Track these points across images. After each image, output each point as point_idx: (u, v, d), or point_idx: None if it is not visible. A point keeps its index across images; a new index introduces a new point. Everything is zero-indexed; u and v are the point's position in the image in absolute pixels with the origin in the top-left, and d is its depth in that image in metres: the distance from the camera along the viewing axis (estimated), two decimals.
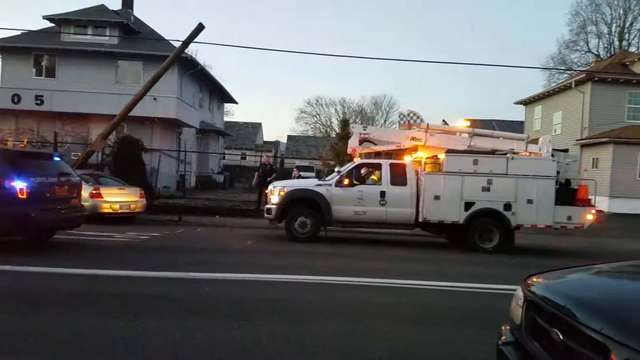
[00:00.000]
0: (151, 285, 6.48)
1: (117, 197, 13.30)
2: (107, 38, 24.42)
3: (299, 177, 18.49)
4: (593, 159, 23.58)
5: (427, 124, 12.36)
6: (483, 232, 11.26)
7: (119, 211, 13.24)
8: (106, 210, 12.96)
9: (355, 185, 11.42)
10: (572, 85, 25.12)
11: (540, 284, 2.91)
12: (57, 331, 4.46)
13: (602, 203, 21.56)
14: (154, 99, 20.52)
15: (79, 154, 18.00)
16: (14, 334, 4.35)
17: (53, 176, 8.79)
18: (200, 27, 15.14)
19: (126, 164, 17.12)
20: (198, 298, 5.81)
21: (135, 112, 17.22)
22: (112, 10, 26.22)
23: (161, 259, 8.46)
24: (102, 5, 26.34)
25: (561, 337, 2.32)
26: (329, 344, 4.40)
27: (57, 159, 9.58)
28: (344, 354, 4.19)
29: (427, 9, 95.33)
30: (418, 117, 12.94)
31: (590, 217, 11.37)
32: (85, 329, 4.49)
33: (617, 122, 23.54)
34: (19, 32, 24.73)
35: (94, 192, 12.78)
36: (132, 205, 13.59)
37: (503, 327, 3.12)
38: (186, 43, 15.63)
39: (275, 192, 11.51)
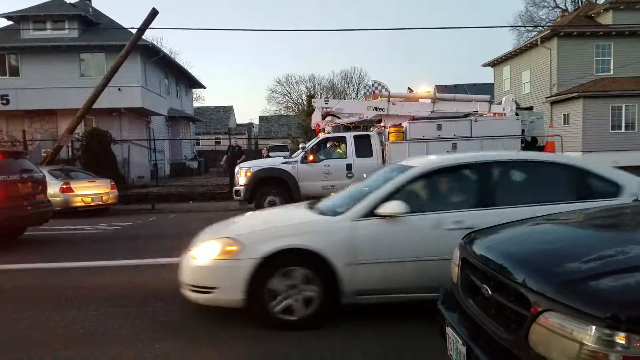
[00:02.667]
0: (116, 274, 6.46)
1: (88, 190, 13.30)
2: (67, 32, 23.97)
3: (268, 156, 18.44)
4: (564, 115, 23.83)
5: (389, 93, 12.30)
6: None
7: (91, 204, 13.26)
8: (78, 204, 12.97)
9: (322, 160, 11.40)
10: (539, 42, 25.12)
11: (475, 241, 2.87)
12: (18, 325, 4.46)
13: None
14: (119, 89, 20.17)
15: (49, 150, 17.72)
16: None
17: (15, 174, 8.67)
18: (154, 13, 14.72)
19: (96, 157, 17.14)
20: (163, 283, 5.77)
21: (101, 104, 16.98)
22: (70, 3, 25.67)
23: (129, 247, 8.38)
24: None
25: (490, 292, 2.31)
26: None
27: (18, 156, 9.46)
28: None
29: None
30: (383, 87, 12.87)
31: None
32: (45, 321, 4.52)
33: (586, 76, 23.69)
34: None
35: (64, 186, 12.74)
36: (104, 197, 13.60)
37: (442, 288, 3.12)
38: (141, 30, 15.23)
39: (242, 173, 11.47)
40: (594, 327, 1.64)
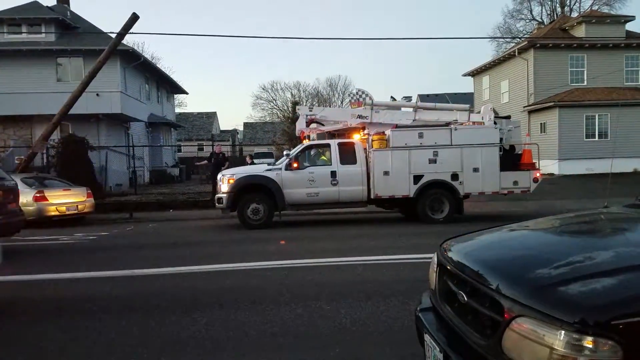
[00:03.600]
0: (91, 285, 6.26)
1: (63, 199, 12.99)
2: (43, 36, 23.52)
3: (252, 163, 18.33)
4: (541, 123, 24.36)
5: (372, 101, 12.40)
6: (433, 203, 11.50)
7: (66, 213, 12.95)
8: (52, 213, 12.65)
9: (306, 167, 11.39)
10: (516, 54, 25.73)
11: (452, 247, 2.90)
12: None
13: (552, 166, 22.43)
14: (97, 94, 19.90)
15: (23, 157, 17.29)
16: None
17: None
18: (134, 17, 14.57)
19: (72, 164, 16.70)
20: (139, 295, 5.66)
21: (78, 109, 16.66)
22: (47, 7, 25.24)
23: (105, 258, 8.19)
24: (36, 1, 25.26)
25: (466, 298, 2.33)
26: (269, 327, 4.38)
27: None
28: (282, 337, 4.18)
29: None
30: (367, 95, 12.97)
31: (535, 180, 11.76)
32: (16, 335, 4.36)
33: (562, 86, 24.36)
34: None
35: (37, 195, 12.42)
36: (79, 206, 13.31)
37: (423, 294, 3.14)
38: (121, 35, 15.06)
39: (225, 181, 11.35)
40: (563, 332, 1.67)
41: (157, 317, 4.77)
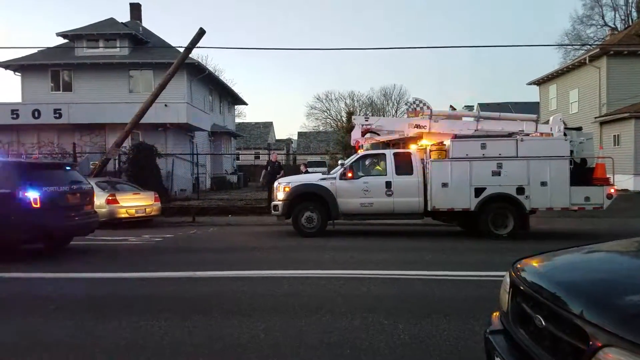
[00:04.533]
0: (158, 285, 6.55)
1: (133, 202, 13.74)
2: (118, 50, 25.18)
3: (307, 172, 18.48)
4: (614, 136, 22.86)
5: (431, 110, 12.15)
6: (496, 218, 11.03)
7: (135, 215, 13.67)
8: (123, 215, 13.39)
9: (360, 177, 11.32)
10: (587, 61, 24.36)
11: (526, 267, 2.78)
12: (61, 334, 4.55)
13: (627, 181, 20.95)
14: (165, 105, 20.89)
15: (97, 162, 18.44)
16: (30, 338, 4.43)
17: (65, 185, 9.05)
18: (201, 32, 15.22)
19: (142, 170, 17.66)
20: (200, 297, 5.83)
21: (148, 119, 17.59)
22: (121, 23, 27.04)
23: (169, 260, 8.55)
24: (112, 18, 27.07)
25: (544, 323, 2.20)
26: (327, 338, 4.35)
27: (68, 168, 9.84)
28: (340, 348, 4.13)
29: None
30: (425, 104, 12.76)
31: (609, 196, 10.99)
32: (89, 331, 4.60)
33: (637, 96, 22.73)
34: (35, 51, 25.75)
35: (110, 198, 13.19)
36: (147, 209, 14.01)
37: (493, 315, 3.00)
38: (189, 49, 15.77)
39: (281, 189, 11.53)
40: None
41: (219, 319, 4.89)
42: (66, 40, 25.99)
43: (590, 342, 1.82)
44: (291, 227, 11.79)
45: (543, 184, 10.88)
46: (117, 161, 19.26)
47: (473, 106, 38.76)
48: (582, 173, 11.19)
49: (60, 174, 9.32)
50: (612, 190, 11.10)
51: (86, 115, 22.66)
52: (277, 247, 10.18)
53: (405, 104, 13.69)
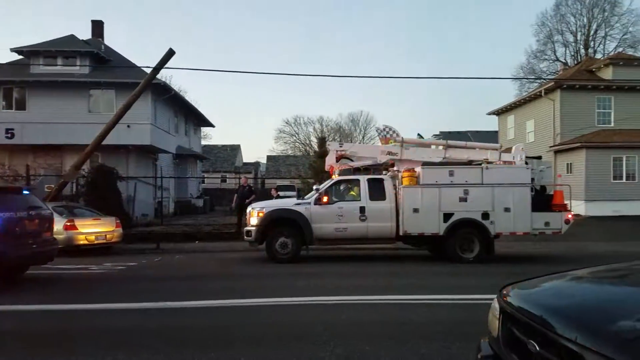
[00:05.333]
0: (125, 317, 6.26)
1: (93, 228, 13.14)
2: (77, 68, 24.19)
3: (278, 197, 18.38)
4: (567, 164, 24.03)
5: (402, 138, 12.46)
6: (463, 243, 11.31)
7: (95, 242, 13.08)
8: (82, 242, 12.79)
9: (335, 202, 11.38)
10: (542, 94, 25.70)
11: (515, 293, 2.85)
12: None
13: (579, 207, 21.93)
14: (128, 126, 20.28)
15: (52, 185, 17.65)
16: None
17: (22, 210, 8.53)
18: (170, 53, 15.09)
19: (101, 194, 16.97)
20: (174, 328, 5.62)
21: (109, 140, 17.01)
22: (82, 40, 26.10)
23: (136, 290, 8.19)
24: (72, 35, 26.17)
25: (537, 348, 2.25)
26: None
27: (26, 192, 9.31)
28: None
29: (398, 26, 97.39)
30: (394, 131, 13.06)
31: (567, 221, 11.51)
32: None
33: (588, 127, 24.12)
34: None
35: (68, 223, 12.60)
36: (108, 236, 13.42)
37: (482, 340, 3.04)
38: (157, 69, 15.55)
39: (255, 214, 11.39)
40: None
41: (196, 352, 4.70)
42: (21, 57, 24.67)
43: None
44: (263, 253, 11.63)
45: (507, 209, 11.27)
46: (74, 184, 18.51)
47: (441, 135, 39.98)
48: (542, 200, 11.69)
49: (18, 199, 8.79)
50: (570, 216, 11.64)
51: (41, 135, 21.67)
52: (251, 274, 10.01)
53: (376, 130, 13.98)
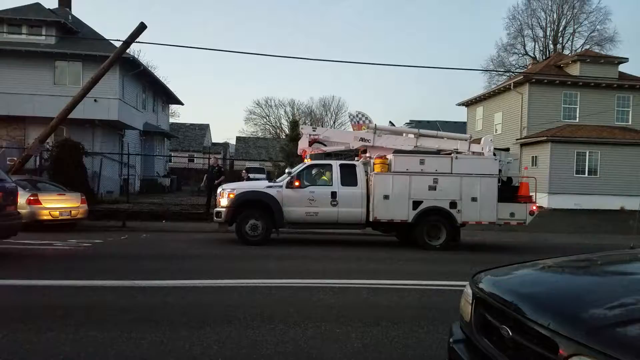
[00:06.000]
0: (94, 294, 6.12)
1: (57, 203, 12.78)
2: (43, 38, 23.18)
3: (248, 178, 18.23)
4: (532, 157, 24.75)
5: (375, 125, 12.53)
6: (431, 230, 11.56)
7: (59, 218, 12.75)
8: (45, 217, 12.44)
9: (307, 186, 11.39)
10: (511, 87, 26.29)
11: (488, 280, 2.92)
12: None
13: (542, 199, 22.68)
14: (95, 100, 19.71)
15: (15, 158, 17.00)
16: None
17: None
18: (142, 27, 14.60)
19: (66, 169, 16.50)
20: (143, 307, 5.54)
21: (75, 114, 16.48)
22: (49, 9, 24.96)
23: (103, 267, 8.02)
24: (38, 3, 25.01)
25: (510, 333, 2.33)
26: (281, 348, 4.32)
27: None
28: (295, 357, 4.12)
29: (370, 14, 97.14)
30: (367, 118, 13.12)
31: (532, 212, 11.90)
32: (22, 344, 4.18)
33: (554, 122, 24.86)
34: None
35: (31, 198, 12.22)
36: (72, 212, 13.09)
37: (453, 325, 3.13)
38: (127, 43, 15.03)
39: (225, 195, 11.29)
40: None
41: (167, 331, 4.67)
42: None
43: (560, 352, 1.96)
44: (233, 234, 11.55)
45: (473, 199, 11.56)
46: (37, 158, 17.88)
47: (413, 124, 40.44)
48: (508, 191, 12.05)
49: None
50: (534, 208, 12.05)
51: (4, 105, 20.85)
52: (221, 255, 9.93)
53: (349, 116, 13.99)
